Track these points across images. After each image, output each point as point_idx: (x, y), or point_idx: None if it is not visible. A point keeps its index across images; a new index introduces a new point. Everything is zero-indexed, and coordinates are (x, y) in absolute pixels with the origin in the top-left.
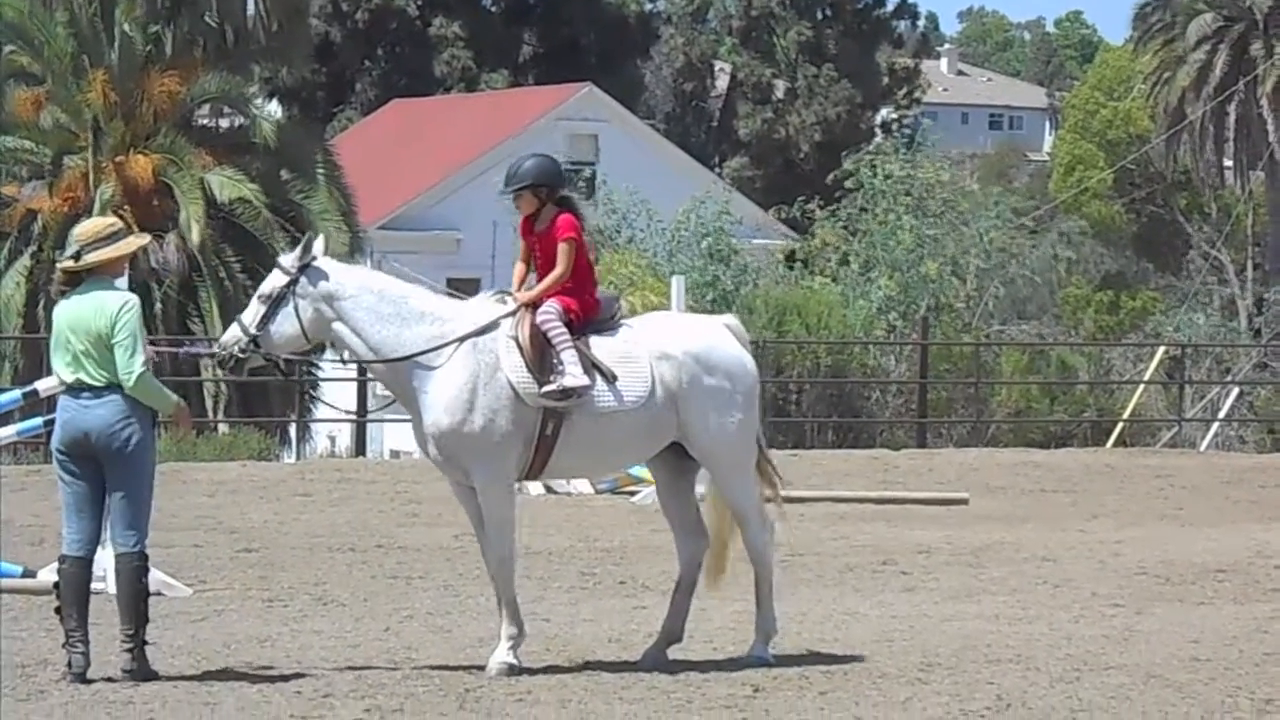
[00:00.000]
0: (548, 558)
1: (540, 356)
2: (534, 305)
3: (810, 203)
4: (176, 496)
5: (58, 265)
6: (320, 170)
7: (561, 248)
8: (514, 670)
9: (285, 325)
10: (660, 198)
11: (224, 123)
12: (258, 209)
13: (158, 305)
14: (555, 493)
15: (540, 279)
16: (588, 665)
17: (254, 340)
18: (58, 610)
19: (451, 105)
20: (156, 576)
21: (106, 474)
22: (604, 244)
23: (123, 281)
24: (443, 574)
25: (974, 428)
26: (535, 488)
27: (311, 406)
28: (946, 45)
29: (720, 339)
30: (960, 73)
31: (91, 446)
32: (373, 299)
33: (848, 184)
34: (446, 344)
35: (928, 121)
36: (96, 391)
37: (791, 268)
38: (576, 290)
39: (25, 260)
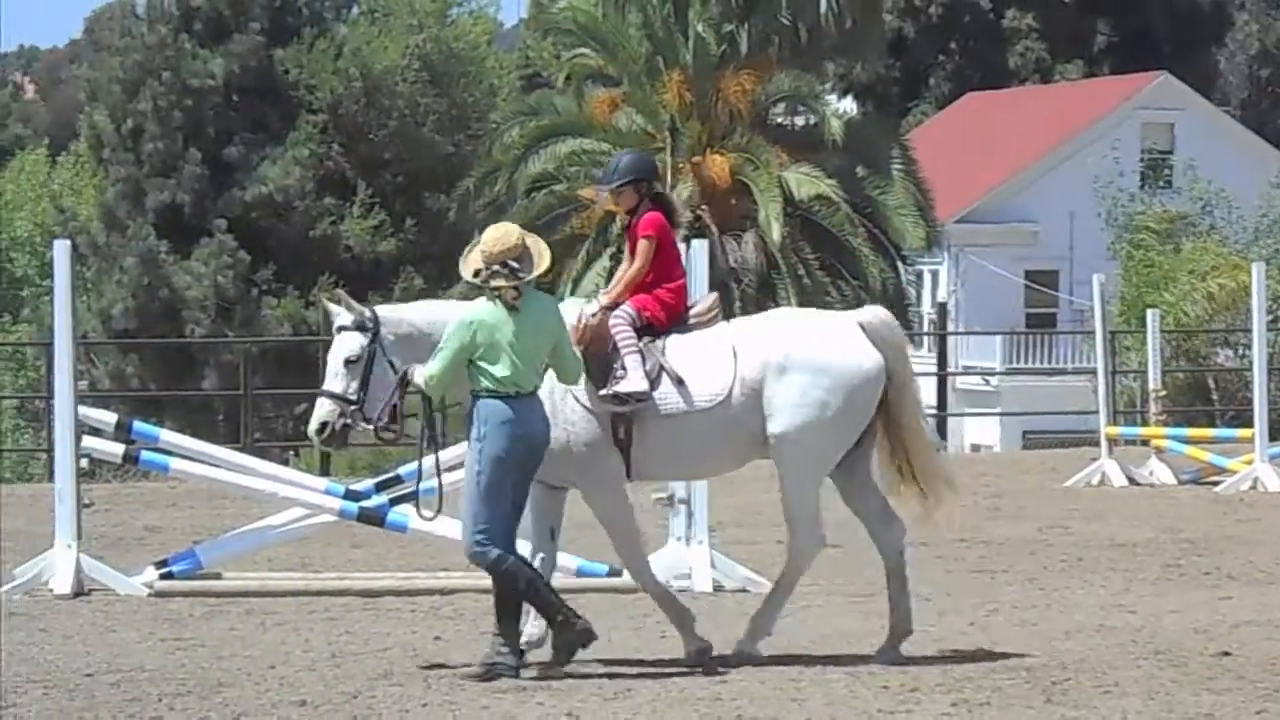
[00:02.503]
0: (1132, 550)
1: (600, 361)
2: (612, 307)
3: None
4: (756, 492)
5: (503, 283)
6: (896, 165)
7: (641, 245)
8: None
9: (387, 381)
10: (1239, 184)
11: (798, 120)
12: (836, 205)
13: (736, 304)
14: (1138, 484)
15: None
16: (1172, 656)
17: (357, 406)
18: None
19: (1026, 97)
20: (739, 572)
21: (530, 475)
22: (1185, 233)
23: None
24: (1026, 567)
25: None
26: (1118, 479)
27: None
28: None
29: (829, 336)
30: None
31: (539, 450)
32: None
33: None
34: None
35: None
36: (533, 396)
37: None
38: (657, 287)
39: (604, 261)
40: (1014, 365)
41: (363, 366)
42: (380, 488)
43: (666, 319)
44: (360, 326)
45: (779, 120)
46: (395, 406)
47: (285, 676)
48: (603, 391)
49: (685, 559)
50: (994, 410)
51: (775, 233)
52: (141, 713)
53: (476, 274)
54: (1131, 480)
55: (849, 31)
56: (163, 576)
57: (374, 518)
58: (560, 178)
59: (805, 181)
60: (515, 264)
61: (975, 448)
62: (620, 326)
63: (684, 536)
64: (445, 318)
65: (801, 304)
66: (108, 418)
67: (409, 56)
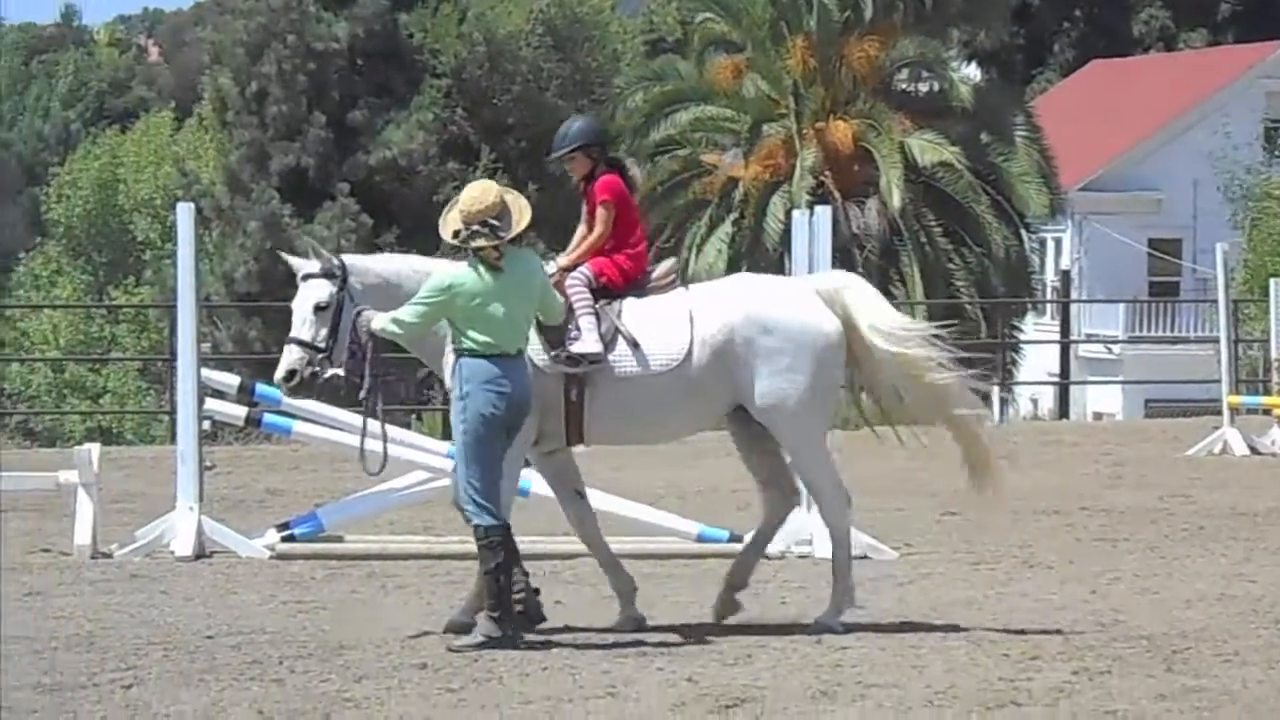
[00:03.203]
0: (1253, 519)
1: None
2: (570, 269)
3: None
4: (878, 460)
5: (484, 242)
6: (1020, 132)
7: (600, 212)
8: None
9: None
10: None
11: (922, 87)
12: (959, 172)
13: (858, 270)
14: (1259, 453)
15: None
16: None
17: (326, 354)
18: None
19: (1150, 65)
20: (862, 539)
21: (512, 435)
22: None
23: None
24: (1148, 536)
25: None
26: (1240, 448)
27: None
28: None
29: (789, 300)
30: None
31: (523, 410)
32: (419, 277)
33: None
34: None
35: None
36: (517, 357)
37: None
38: (616, 252)
39: (727, 227)
40: (1136, 333)
41: (331, 314)
42: None
43: (623, 283)
44: (329, 274)
45: (903, 87)
46: (364, 358)
47: (406, 640)
48: (556, 352)
49: (806, 526)
50: (1116, 378)
51: (895, 199)
52: (262, 675)
53: (455, 234)
54: (1253, 449)
55: None
56: (284, 539)
57: None
58: (683, 143)
59: (928, 148)
60: (495, 222)
61: (1097, 416)
62: (576, 288)
63: (804, 503)
64: (411, 272)
65: (924, 271)
66: (230, 380)
67: (533, 21)
